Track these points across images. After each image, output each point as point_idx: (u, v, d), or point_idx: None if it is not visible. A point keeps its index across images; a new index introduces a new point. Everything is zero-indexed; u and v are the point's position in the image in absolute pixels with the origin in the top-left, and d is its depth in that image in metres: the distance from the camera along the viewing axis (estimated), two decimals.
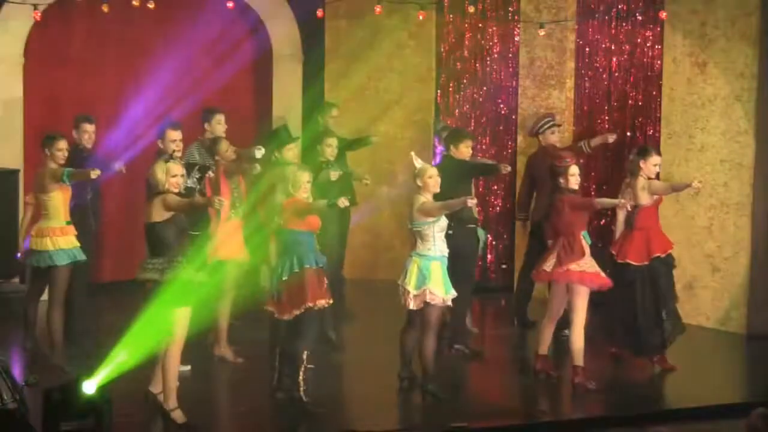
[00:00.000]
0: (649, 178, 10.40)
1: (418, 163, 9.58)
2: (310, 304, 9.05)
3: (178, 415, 8.73)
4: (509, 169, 10.92)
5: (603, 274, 9.98)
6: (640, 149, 10.58)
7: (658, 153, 10.65)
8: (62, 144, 10.17)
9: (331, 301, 9.24)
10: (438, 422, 9.12)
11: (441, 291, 9.39)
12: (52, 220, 10.08)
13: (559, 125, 12.10)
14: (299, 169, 9.26)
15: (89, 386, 7.72)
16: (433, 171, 9.51)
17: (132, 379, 8.61)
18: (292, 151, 10.53)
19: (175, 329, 8.63)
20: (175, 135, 10.35)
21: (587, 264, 9.87)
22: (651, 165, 10.35)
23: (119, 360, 8.45)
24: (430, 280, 9.35)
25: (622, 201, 10.12)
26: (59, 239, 10.06)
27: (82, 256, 10.19)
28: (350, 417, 9.38)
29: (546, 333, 10.22)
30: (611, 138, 11.84)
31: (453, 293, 9.48)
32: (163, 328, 8.65)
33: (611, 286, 10.11)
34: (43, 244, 10.04)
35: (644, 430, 9.31)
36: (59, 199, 10.09)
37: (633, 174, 10.40)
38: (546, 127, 11.84)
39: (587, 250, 9.89)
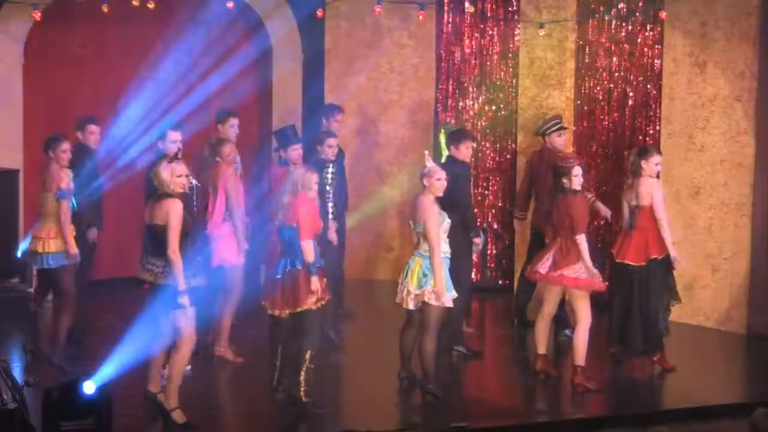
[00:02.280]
0: (651, 177, 10.39)
1: (429, 162, 9.57)
2: (300, 308, 9.05)
3: (178, 415, 8.73)
4: (479, 245, 10.91)
5: (597, 279, 9.94)
6: (640, 149, 10.56)
7: (659, 152, 10.64)
8: (66, 145, 10.14)
9: (327, 298, 9.20)
10: (438, 422, 9.12)
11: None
12: (47, 222, 10.06)
13: (565, 128, 12.01)
14: (308, 171, 9.25)
15: (89, 386, 7.72)
16: (442, 174, 9.50)
17: (132, 379, 8.61)
18: (297, 152, 10.49)
19: (186, 330, 8.63)
20: (175, 136, 10.33)
21: (581, 269, 9.84)
22: (653, 164, 10.34)
23: (119, 360, 8.45)
24: (432, 280, 9.34)
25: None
26: (51, 242, 10.03)
27: (71, 261, 10.09)
28: (350, 417, 9.38)
29: (541, 333, 10.21)
30: (607, 214, 11.59)
31: (454, 294, 9.47)
32: (161, 328, 8.66)
33: (605, 290, 10.12)
34: (36, 246, 10.04)
35: (644, 430, 9.30)
36: (54, 201, 10.07)
37: (635, 174, 10.37)
38: (553, 129, 11.75)
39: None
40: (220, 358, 10.47)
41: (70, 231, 10.04)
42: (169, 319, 8.62)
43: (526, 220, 11.98)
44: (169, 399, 8.74)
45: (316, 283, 9.03)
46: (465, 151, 10.74)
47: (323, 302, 9.15)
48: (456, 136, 10.85)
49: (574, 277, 9.84)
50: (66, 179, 10.01)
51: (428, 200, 9.44)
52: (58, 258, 10.01)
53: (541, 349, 10.20)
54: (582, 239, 9.87)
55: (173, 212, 8.55)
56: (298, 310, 9.05)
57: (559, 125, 11.83)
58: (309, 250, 9.04)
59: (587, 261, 9.87)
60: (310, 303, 9.04)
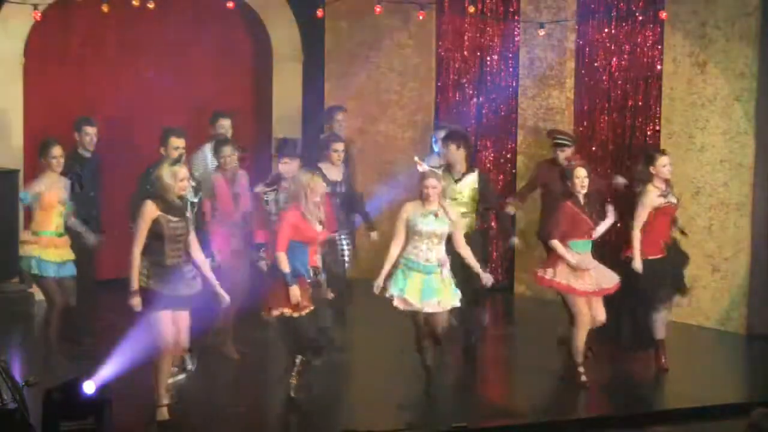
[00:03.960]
0: (665, 179, 10.28)
1: (421, 167, 9.54)
2: (271, 312, 9.12)
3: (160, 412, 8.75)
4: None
5: (588, 288, 9.87)
6: (646, 157, 10.41)
7: (663, 153, 10.56)
8: (56, 151, 10.06)
9: (309, 307, 9.20)
10: (438, 422, 9.12)
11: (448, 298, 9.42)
12: (32, 225, 10.10)
13: (568, 145, 11.51)
14: (315, 177, 9.26)
15: (89, 386, 7.72)
16: (432, 182, 9.44)
17: (132, 379, 8.61)
18: (286, 165, 10.27)
19: (160, 336, 8.64)
20: (178, 142, 10.19)
21: (573, 276, 9.80)
22: (661, 167, 10.25)
23: (119, 360, 8.45)
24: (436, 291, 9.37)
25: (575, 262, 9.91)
26: (25, 246, 10.04)
27: (34, 269, 10.05)
28: (350, 417, 9.38)
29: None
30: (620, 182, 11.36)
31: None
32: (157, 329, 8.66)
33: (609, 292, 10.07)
34: (20, 249, 10.09)
35: (644, 430, 9.31)
36: (35, 208, 10.08)
37: (644, 182, 10.24)
38: (558, 141, 11.50)
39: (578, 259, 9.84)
40: (223, 355, 10.45)
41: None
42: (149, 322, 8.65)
43: (515, 210, 11.74)
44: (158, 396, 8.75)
45: (294, 293, 9.05)
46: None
47: (304, 311, 9.14)
48: (452, 138, 10.79)
49: (566, 284, 9.83)
50: (36, 188, 9.99)
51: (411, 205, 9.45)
52: (25, 263, 10.00)
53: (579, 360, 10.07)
54: (556, 244, 9.84)
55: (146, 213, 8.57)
56: (267, 313, 9.12)
57: (563, 141, 11.50)
58: (282, 260, 9.07)
59: (571, 262, 9.83)
60: (284, 311, 9.06)
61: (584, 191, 9.94)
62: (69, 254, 10.13)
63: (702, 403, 9.75)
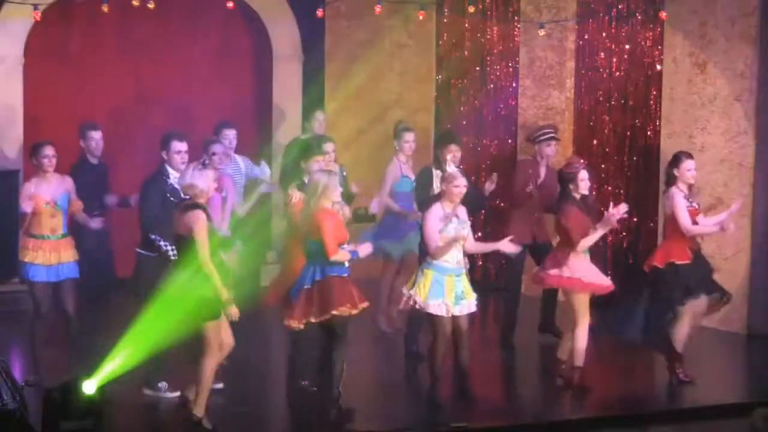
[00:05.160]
0: (689, 184, 10.19)
1: (450, 167, 9.43)
2: (331, 313, 8.90)
3: (205, 423, 8.67)
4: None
5: (595, 281, 9.82)
6: (674, 157, 10.24)
7: (690, 156, 10.27)
8: (48, 150, 9.87)
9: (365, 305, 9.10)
10: (438, 422, 9.12)
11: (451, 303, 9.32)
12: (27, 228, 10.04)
13: (557, 139, 11.49)
14: (331, 176, 9.04)
15: (89, 386, 7.72)
16: (462, 180, 9.28)
17: (132, 379, 8.61)
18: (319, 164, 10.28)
19: (209, 342, 8.56)
20: (180, 146, 10.01)
21: (580, 270, 9.73)
22: (685, 171, 10.13)
23: (119, 360, 8.44)
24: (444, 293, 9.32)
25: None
26: (20, 250, 9.94)
27: (26, 273, 9.95)
28: (350, 417, 9.37)
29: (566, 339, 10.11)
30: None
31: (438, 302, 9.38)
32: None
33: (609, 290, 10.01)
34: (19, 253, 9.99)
35: (644, 430, 9.31)
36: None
37: (667, 184, 10.14)
38: (543, 138, 11.31)
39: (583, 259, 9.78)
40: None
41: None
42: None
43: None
44: (198, 407, 8.64)
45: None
46: (446, 157, 10.28)
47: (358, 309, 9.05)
48: (442, 141, 10.78)
49: (568, 277, 9.76)
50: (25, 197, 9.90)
51: (436, 207, 9.32)
52: (21, 266, 9.93)
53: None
54: (581, 248, 9.74)
55: (201, 223, 8.37)
56: (333, 313, 8.89)
57: (550, 134, 11.39)
58: (343, 258, 8.93)
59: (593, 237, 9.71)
60: (344, 309, 8.93)
61: (587, 192, 9.85)
62: (70, 256, 10.03)
63: (702, 403, 9.75)
